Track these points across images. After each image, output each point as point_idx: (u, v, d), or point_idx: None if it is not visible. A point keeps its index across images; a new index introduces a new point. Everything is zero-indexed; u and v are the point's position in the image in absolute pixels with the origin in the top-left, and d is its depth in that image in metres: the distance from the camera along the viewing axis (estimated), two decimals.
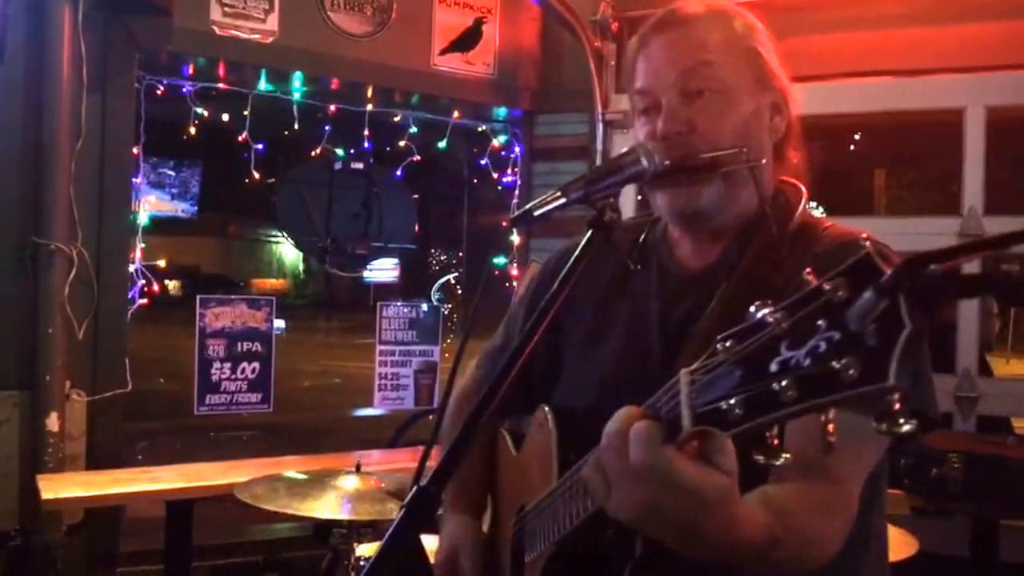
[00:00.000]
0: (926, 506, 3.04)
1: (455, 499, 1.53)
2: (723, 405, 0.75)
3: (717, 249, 1.29)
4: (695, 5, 1.29)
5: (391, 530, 1.00)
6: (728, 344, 0.76)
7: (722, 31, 1.27)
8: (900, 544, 2.41)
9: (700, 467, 0.83)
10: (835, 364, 0.66)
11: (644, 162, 1.15)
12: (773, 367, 0.71)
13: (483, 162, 4.87)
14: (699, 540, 0.89)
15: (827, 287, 0.68)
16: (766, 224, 1.23)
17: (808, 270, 0.72)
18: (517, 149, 4.81)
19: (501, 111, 4.76)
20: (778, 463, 0.75)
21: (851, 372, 0.65)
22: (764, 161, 1.25)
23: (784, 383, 0.69)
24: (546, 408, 1.30)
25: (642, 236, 1.40)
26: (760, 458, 0.75)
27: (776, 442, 0.75)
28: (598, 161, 4.26)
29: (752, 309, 0.75)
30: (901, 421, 0.65)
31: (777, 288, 1.15)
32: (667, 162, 1.18)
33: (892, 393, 0.64)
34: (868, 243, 0.68)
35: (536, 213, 1.12)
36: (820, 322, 0.68)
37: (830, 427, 0.70)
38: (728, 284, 1.22)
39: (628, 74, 1.33)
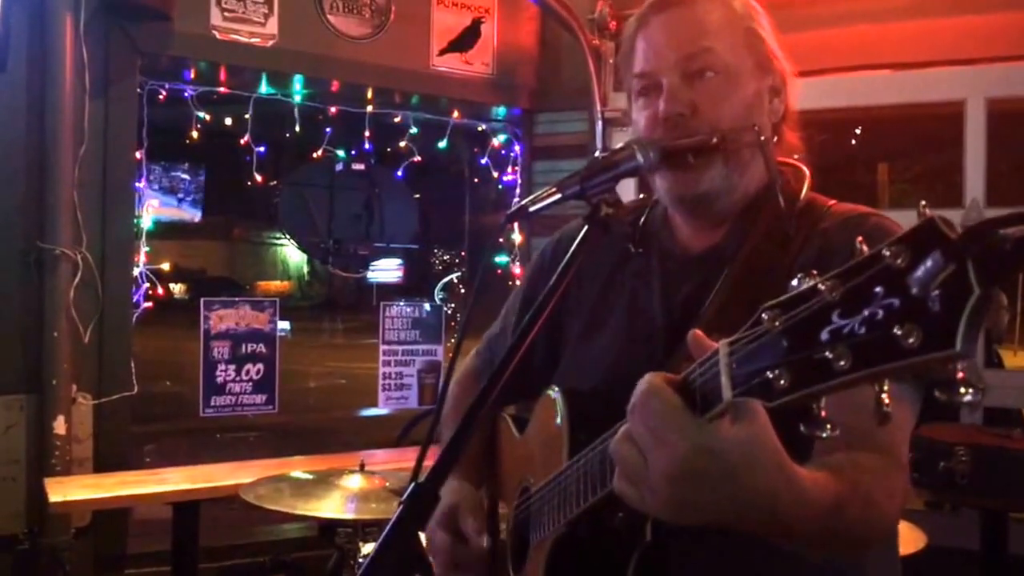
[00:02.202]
0: (934, 500, 3.02)
1: (457, 469, 1.45)
2: (768, 375, 0.73)
3: (720, 231, 1.27)
4: None
5: (388, 527, 1.00)
6: (774, 313, 0.74)
7: (723, 11, 1.25)
8: (908, 538, 2.37)
9: (737, 427, 0.82)
10: (896, 331, 0.63)
11: (639, 157, 1.15)
12: (824, 336, 0.69)
13: (483, 161, 4.88)
14: (751, 496, 0.84)
15: (886, 253, 0.65)
16: (773, 202, 1.22)
17: (860, 239, 0.69)
18: (517, 148, 4.81)
19: (500, 110, 4.77)
20: (825, 435, 0.72)
21: (911, 339, 0.62)
22: (776, 139, 1.25)
23: (837, 352, 0.67)
24: (555, 388, 1.28)
25: (642, 219, 1.38)
26: (805, 430, 0.73)
27: (824, 414, 0.72)
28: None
29: (795, 282, 0.73)
30: (963, 391, 0.63)
31: (784, 267, 1.15)
32: (665, 146, 1.17)
33: (957, 361, 0.62)
34: (927, 209, 0.65)
35: (532, 209, 1.12)
36: (877, 289, 0.65)
37: (884, 398, 0.68)
38: (734, 264, 1.21)
39: (626, 56, 1.31)
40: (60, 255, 3.51)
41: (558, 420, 1.22)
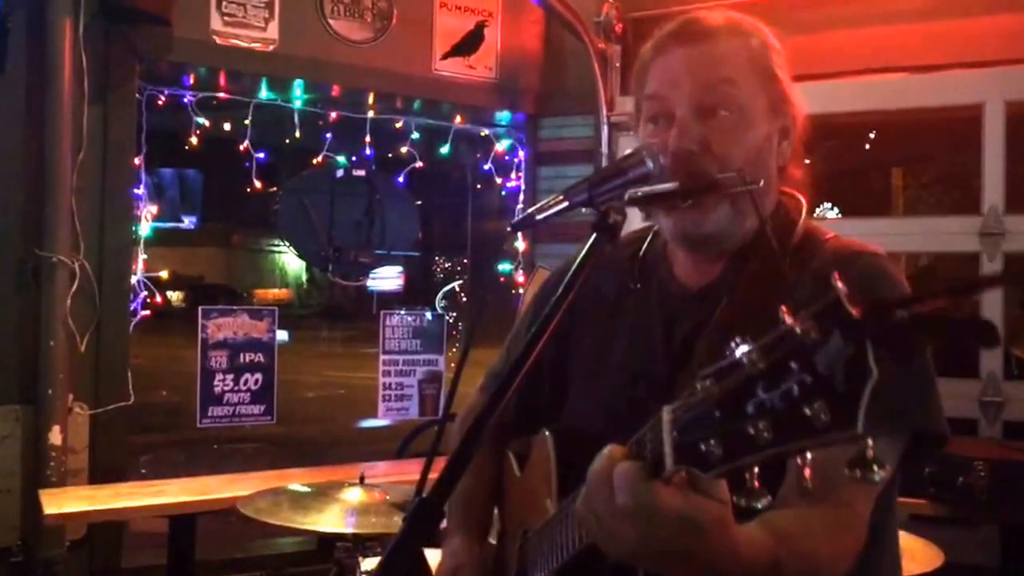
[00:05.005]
0: (952, 515, 2.97)
1: (459, 519, 1.51)
2: (702, 446, 0.76)
3: (717, 268, 1.27)
4: (715, 17, 1.26)
5: (393, 543, 0.99)
6: (707, 383, 0.77)
7: (742, 49, 1.24)
8: (925, 556, 2.36)
9: (688, 498, 0.84)
10: (806, 409, 0.67)
11: (649, 163, 1.12)
12: (750, 408, 0.72)
13: (487, 167, 4.85)
14: (699, 568, 0.90)
15: (799, 329, 0.68)
16: (767, 243, 1.21)
17: (783, 308, 0.72)
18: (521, 153, 4.78)
19: (504, 115, 4.74)
20: (759, 506, 0.75)
21: (822, 417, 0.66)
22: (762, 183, 1.23)
23: (760, 425, 0.70)
24: (546, 432, 1.28)
25: (641, 251, 1.37)
26: (741, 501, 0.76)
27: (757, 484, 0.75)
28: (604, 164, 4.23)
29: (732, 345, 0.75)
30: (875, 468, 0.66)
31: (774, 305, 1.13)
32: (669, 178, 1.16)
33: (863, 440, 0.65)
34: (840, 283, 0.67)
35: (539, 217, 1.12)
36: (793, 364, 0.68)
37: (806, 472, 0.72)
38: (727, 302, 1.20)
39: (639, 78, 1.29)
40: (57, 263, 3.48)
41: (548, 466, 1.24)
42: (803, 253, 1.22)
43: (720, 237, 1.23)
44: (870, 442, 0.65)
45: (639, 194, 1.17)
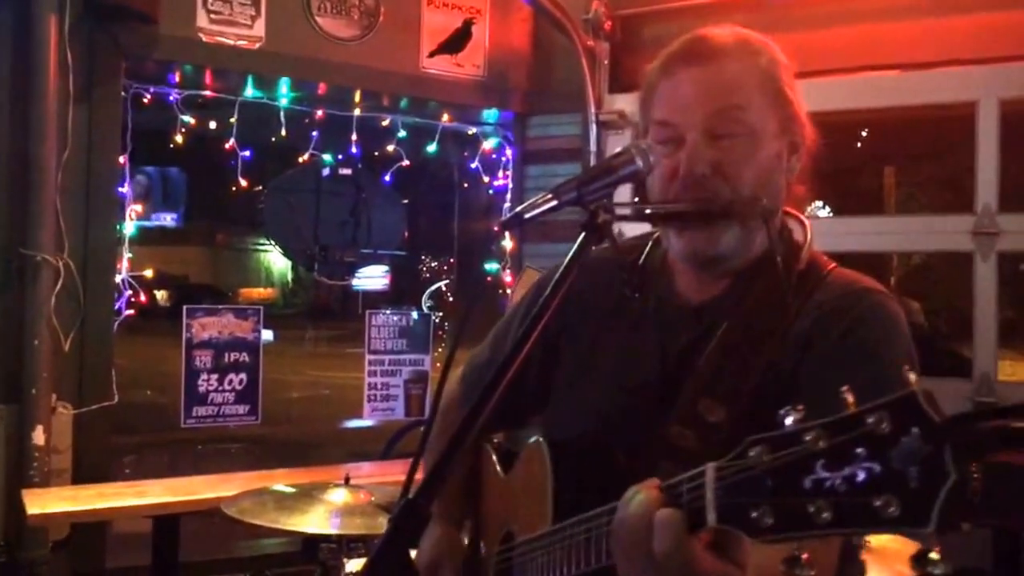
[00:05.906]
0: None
1: (438, 507, 1.49)
2: (752, 512, 0.76)
3: (721, 285, 1.26)
4: (723, 34, 1.25)
5: (379, 545, 0.98)
6: (759, 450, 0.77)
7: (752, 70, 1.23)
8: None
9: (717, 560, 0.85)
10: (875, 500, 0.68)
11: (638, 161, 1.11)
12: (807, 484, 0.72)
13: (474, 166, 4.84)
14: None
15: (870, 419, 0.69)
16: (774, 267, 1.21)
17: (845, 388, 0.72)
18: (509, 152, 4.78)
19: (492, 113, 4.73)
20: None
21: (891, 510, 0.67)
22: (778, 215, 1.24)
23: (819, 505, 0.71)
24: (540, 439, 1.27)
25: (641, 259, 1.36)
26: (783, 567, 0.76)
27: (807, 556, 0.75)
28: (592, 162, 4.22)
29: (782, 412, 0.76)
30: (935, 559, 0.67)
31: (778, 334, 1.18)
32: (681, 201, 1.18)
33: (931, 536, 0.66)
34: (914, 378, 0.68)
35: (527, 216, 1.09)
36: (859, 450, 0.69)
37: (863, 555, 0.76)
38: (730, 322, 1.20)
39: (646, 100, 1.29)
40: (41, 261, 3.46)
41: (543, 475, 1.23)
42: (807, 281, 1.22)
43: (729, 258, 1.24)
44: (935, 539, 0.66)
45: (649, 211, 1.18)
